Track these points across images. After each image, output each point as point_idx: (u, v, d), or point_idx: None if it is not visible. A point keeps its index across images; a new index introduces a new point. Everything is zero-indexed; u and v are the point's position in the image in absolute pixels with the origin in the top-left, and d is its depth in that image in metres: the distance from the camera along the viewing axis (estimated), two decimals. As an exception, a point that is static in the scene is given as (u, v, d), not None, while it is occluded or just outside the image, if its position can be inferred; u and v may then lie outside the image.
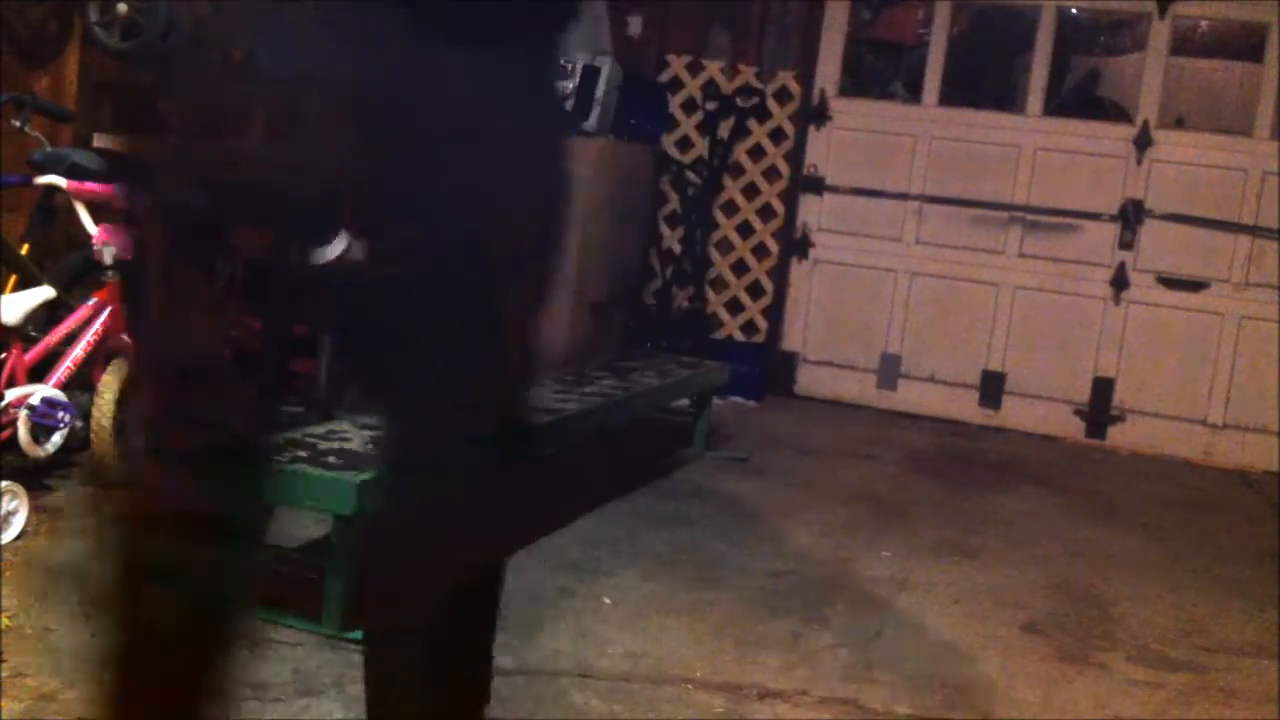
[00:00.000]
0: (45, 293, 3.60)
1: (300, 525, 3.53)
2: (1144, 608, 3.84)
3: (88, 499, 3.65)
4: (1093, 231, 6.23)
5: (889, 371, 6.53)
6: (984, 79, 6.98)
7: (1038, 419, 6.33)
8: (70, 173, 3.78)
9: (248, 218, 1.76)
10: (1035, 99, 6.32)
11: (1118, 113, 6.56)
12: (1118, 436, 6.22)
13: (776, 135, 6.58)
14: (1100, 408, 6.25)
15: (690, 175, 6.58)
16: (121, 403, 3.72)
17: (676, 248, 6.62)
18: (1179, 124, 6.47)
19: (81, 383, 3.69)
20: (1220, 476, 5.85)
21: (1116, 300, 6.21)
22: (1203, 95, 6.95)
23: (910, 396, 6.51)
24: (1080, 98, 6.72)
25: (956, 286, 6.43)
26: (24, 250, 3.86)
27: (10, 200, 3.97)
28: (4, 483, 3.21)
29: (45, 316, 3.67)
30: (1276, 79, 5.93)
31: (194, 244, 1.75)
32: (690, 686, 2.90)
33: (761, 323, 6.63)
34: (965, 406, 6.43)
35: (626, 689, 2.85)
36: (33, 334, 3.62)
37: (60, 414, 3.49)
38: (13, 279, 3.74)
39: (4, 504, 3.20)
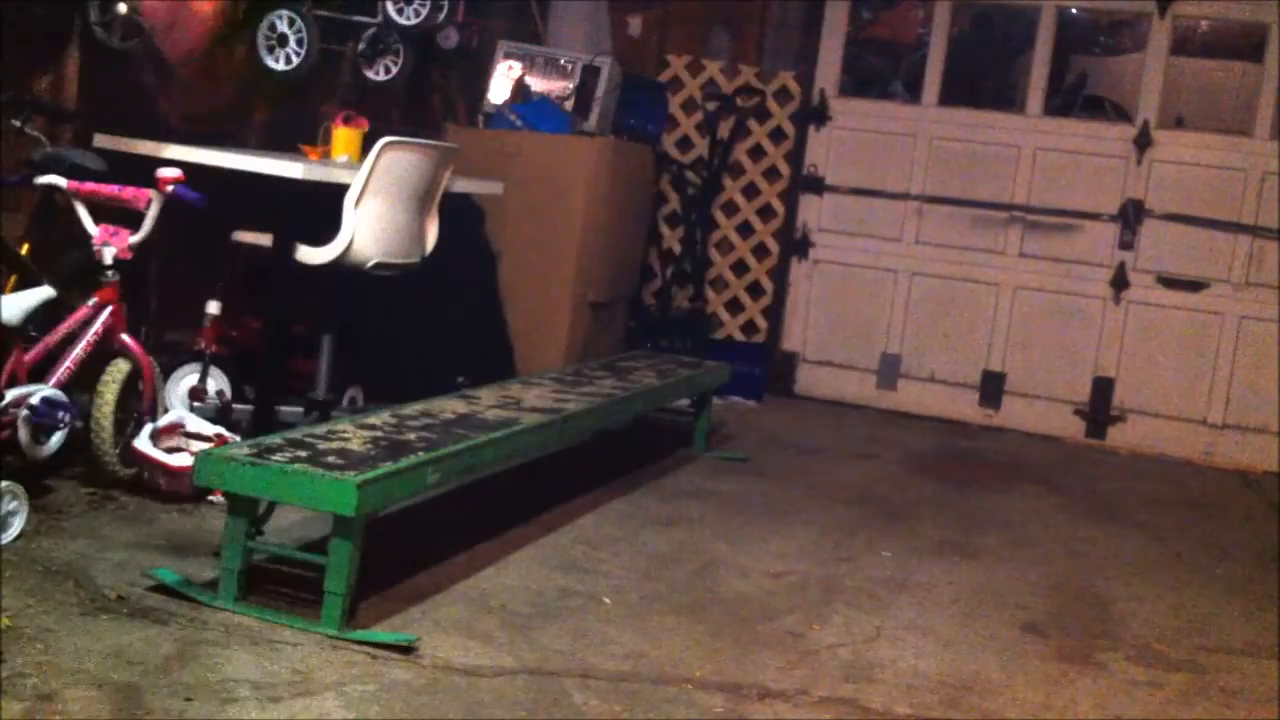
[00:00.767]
0: (45, 293, 3.59)
1: (300, 525, 3.54)
2: (1144, 607, 3.84)
3: (87, 499, 3.65)
4: (1093, 231, 6.23)
5: (889, 371, 6.54)
6: (984, 79, 6.99)
7: (1038, 419, 6.33)
8: (70, 173, 3.78)
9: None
10: (1035, 99, 6.32)
11: (1118, 113, 6.57)
12: (1118, 436, 6.23)
13: (776, 135, 6.58)
14: (1100, 408, 6.25)
15: (690, 175, 6.58)
16: (121, 403, 3.72)
17: (676, 248, 6.62)
18: (1179, 124, 6.47)
19: (81, 383, 3.69)
20: (1220, 476, 5.85)
21: (1116, 300, 6.21)
22: (1202, 95, 6.94)
23: (910, 396, 6.51)
24: (1069, 100, 6.72)
25: (956, 286, 6.43)
26: (24, 250, 3.87)
27: (10, 200, 3.97)
28: (4, 483, 3.21)
29: (45, 316, 3.66)
30: (1276, 79, 5.94)
31: None
32: (690, 686, 2.90)
33: (761, 323, 6.64)
34: (965, 406, 6.43)
35: (626, 689, 2.84)
36: (33, 334, 3.62)
37: (60, 414, 3.49)
38: (13, 279, 3.73)
39: (4, 504, 3.20)
